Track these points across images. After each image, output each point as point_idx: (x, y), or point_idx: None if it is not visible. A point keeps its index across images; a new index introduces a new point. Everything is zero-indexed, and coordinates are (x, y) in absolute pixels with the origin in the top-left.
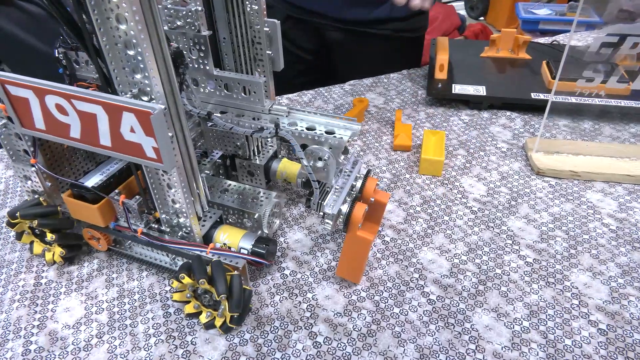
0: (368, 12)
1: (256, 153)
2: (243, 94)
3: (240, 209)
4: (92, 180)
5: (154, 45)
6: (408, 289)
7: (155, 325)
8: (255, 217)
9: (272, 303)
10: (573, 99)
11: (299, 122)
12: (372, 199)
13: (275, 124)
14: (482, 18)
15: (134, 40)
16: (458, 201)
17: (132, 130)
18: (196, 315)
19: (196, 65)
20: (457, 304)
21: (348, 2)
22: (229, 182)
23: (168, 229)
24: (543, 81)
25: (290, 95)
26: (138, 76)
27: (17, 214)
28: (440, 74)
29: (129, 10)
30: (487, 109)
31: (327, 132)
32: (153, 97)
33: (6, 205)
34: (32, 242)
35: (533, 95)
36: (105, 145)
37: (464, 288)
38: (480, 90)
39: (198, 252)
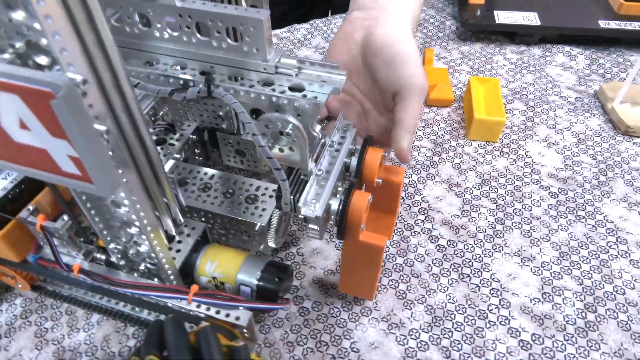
0: None
1: None
2: (230, 41)
3: (234, 217)
4: None
5: None
6: (489, 325)
7: None
8: (257, 228)
9: None
10: None
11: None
12: (379, 180)
13: (207, 76)
14: None
15: None
16: (528, 178)
17: (23, 126)
18: None
19: None
20: (562, 348)
21: None
22: (208, 170)
23: (123, 262)
24: (610, 4)
25: (277, 32)
26: (18, 15)
27: None
28: None
29: None
30: (539, 42)
31: (291, 89)
32: (58, 56)
33: None
34: None
35: (602, 24)
36: None
37: (568, 319)
38: (532, 19)
39: (174, 302)
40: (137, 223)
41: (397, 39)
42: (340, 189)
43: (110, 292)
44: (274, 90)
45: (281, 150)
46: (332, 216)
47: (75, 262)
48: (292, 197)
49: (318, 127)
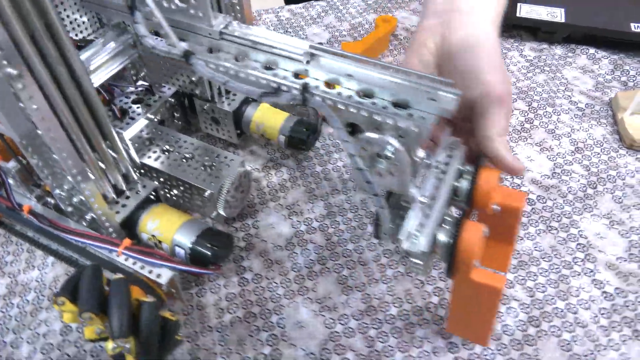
0: None
1: (223, 93)
2: (177, 2)
3: (186, 181)
4: None
5: None
6: (421, 323)
7: (45, 348)
8: (207, 194)
9: (219, 325)
10: None
11: (337, 76)
12: (496, 207)
13: (304, 84)
14: None
15: None
16: (507, 182)
17: None
18: (101, 340)
19: None
20: (491, 357)
21: None
22: (177, 135)
23: (70, 209)
24: None
25: (292, 7)
26: None
27: None
28: None
29: None
30: (562, 42)
31: (396, 105)
32: None
33: None
34: None
35: (634, 27)
36: None
37: (505, 329)
38: (557, 15)
39: (105, 253)
40: (72, 171)
41: (472, 45)
42: (448, 218)
43: (53, 236)
44: (374, 104)
45: (379, 174)
46: (438, 249)
47: (26, 204)
48: (391, 225)
49: (421, 153)
